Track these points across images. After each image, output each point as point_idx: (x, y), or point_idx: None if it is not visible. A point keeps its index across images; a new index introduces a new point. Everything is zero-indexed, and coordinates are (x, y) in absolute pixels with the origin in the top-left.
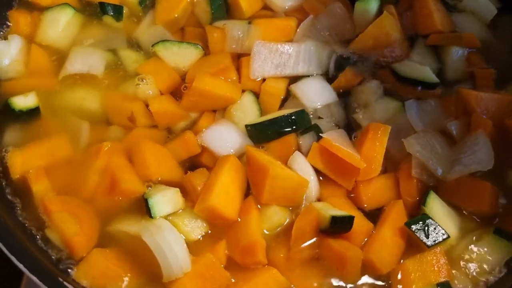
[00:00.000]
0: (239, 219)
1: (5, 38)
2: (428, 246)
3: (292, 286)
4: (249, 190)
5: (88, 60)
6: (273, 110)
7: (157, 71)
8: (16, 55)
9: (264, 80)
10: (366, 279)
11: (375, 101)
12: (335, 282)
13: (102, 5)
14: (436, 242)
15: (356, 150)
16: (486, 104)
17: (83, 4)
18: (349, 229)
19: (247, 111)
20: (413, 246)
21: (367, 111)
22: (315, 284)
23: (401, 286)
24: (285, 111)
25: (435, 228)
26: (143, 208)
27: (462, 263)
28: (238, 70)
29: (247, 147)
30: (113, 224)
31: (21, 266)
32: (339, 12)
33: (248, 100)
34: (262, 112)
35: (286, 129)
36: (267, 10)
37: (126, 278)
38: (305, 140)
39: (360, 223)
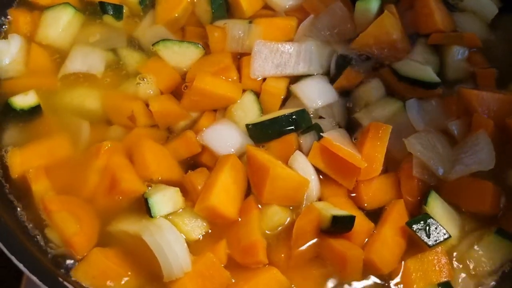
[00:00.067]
0: (240, 219)
1: (5, 37)
2: (429, 246)
3: (292, 285)
4: (250, 190)
5: (88, 59)
6: (273, 109)
7: (157, 70)
8: (16, 54)
9: (264, 79)
10: (367, 279)
11: (376, 101)
12: (335, 282)
13: (102, 5)
14: (437, 241)
15: (357, 149)
16: (487, 103)
17: (83, 4)
18: (350, 229)
19: (248, 110)
20: (414, 246)
21: (368, 110)
22: (316, 284)
23: (402, 286)
24: (285, 111)
25: (436, 228)
26: (143, 207)
27: (463, 263)
28: (239, 69)
29: (248, 146)
30: (113, 223)
31: (21, 266)
32: (339, 11)
33: (248, 100)
34: (263, 111)
35: (287, 129)
36: (268, 10)
37: (126, 278)
38: (306, 139)
39: (361, 222)
